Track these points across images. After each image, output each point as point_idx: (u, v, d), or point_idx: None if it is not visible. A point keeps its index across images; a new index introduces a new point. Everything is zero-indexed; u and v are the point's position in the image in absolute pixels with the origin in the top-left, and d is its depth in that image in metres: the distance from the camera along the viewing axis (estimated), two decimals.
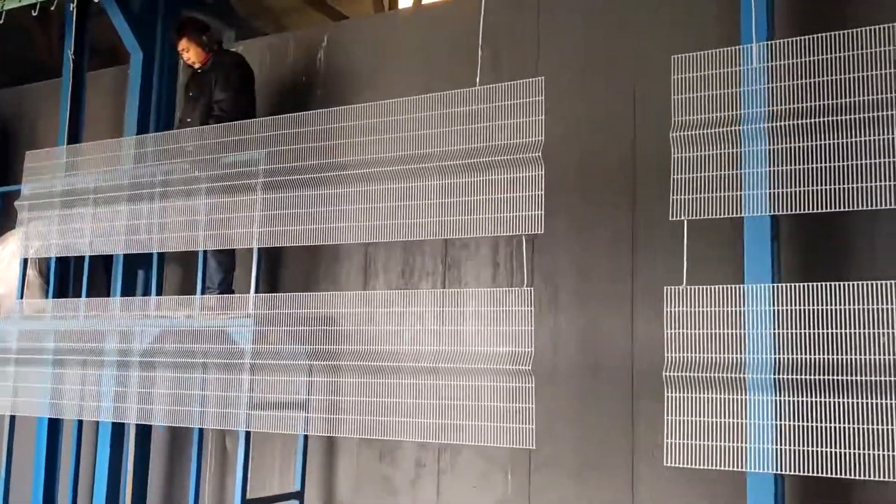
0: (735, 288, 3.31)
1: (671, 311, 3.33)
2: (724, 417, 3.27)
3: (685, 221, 3.37)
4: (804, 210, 3.32)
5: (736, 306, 3.30)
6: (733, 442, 3.26)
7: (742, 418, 3.27)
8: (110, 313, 4.57)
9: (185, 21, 5.11)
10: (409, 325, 3.97)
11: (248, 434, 4.12)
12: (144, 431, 5.04)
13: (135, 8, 5.17)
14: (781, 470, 3.25)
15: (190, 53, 4.96)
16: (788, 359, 3.29)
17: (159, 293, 4.74)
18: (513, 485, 4.31)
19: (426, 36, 4.94)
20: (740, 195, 3.35)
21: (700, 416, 3.30)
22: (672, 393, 3.31)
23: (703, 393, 3.29)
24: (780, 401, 3.28)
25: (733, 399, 3.28)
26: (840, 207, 3.27)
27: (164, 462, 5.44)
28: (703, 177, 3.40)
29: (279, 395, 4.04)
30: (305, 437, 4.63)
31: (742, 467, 3.24)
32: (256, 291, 4.07)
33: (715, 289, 3.30)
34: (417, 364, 3.78)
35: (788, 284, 3.30)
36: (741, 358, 3.30)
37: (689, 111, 3.42)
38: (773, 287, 3.37)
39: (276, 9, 8.05)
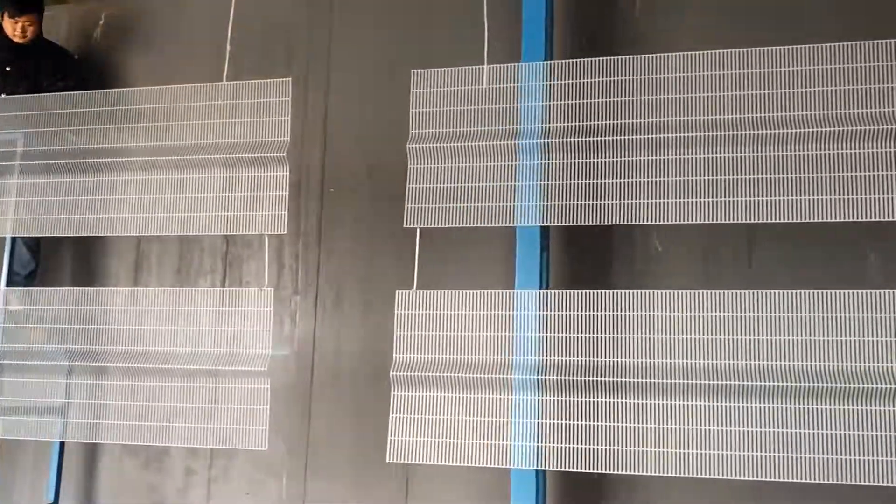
0: (466, 293, 3.51)
1: (401, 314, 3.51)
2: (458, 416, 3.44)
3: (418, 229, 3.59)
4: (573, 223, 3.55)
5: (470, 310, 3.49)
6: (479, 440, 3.43)
7: (478, 416, 3.45)
8: None
9: None
10: (183, 325, 3.87)
11: None
12: None
13: None
14: (542, 466, 3.43)
15: (33, 28, 4.60)
16: (553, 361, 3.49)
17: None
18: (287, 491, 4.23)
19: (211, 23, 4.72)
20: (477, 206, 3.55)
21: (441, 415, 3.46)
22: (399, 392, 3.48)
23: (435, 392, 3.47)
24: (543, 400, 3.47)
25: (467, 398, 3.45)
26: (606, 222, 3.53)
27: None
28: (440, 188, 3.59)
29: (33, 400, 3.78)
30: (62, 444, 4.29)
31: (483, 463, 3.41)
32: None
33: (444, 293, 3.51)
34: (189, 366, 3.66)
35: (553, 290, 3.52)
36: (473, 359, 3.48)
37: (427, 124, 3.60)
38: (539, 293, 3.58)
39: None
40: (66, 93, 3.85)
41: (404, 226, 3.57)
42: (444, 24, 4.04)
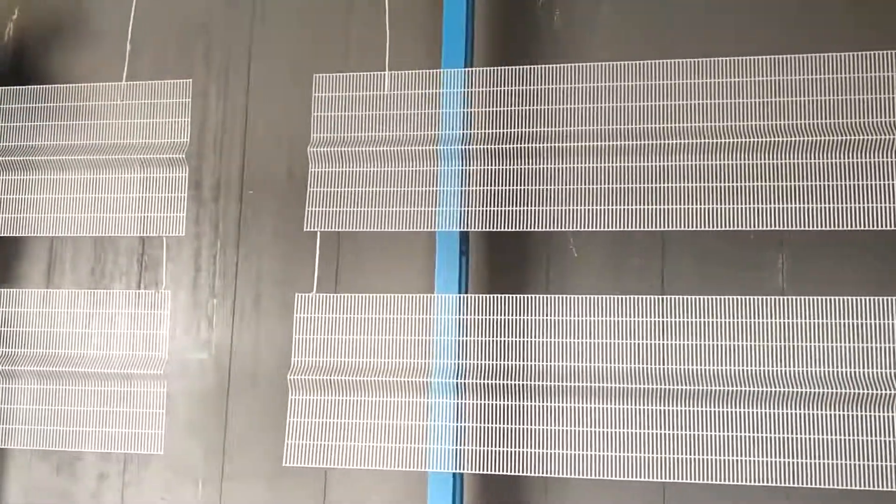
0: (363, 297, 3.60)
1: (301, 318, 3.58)
2: (369, 419, 3.52)
3: (318, 232, 3.68)
4: (492, 228, 3.61)
5: (388, 314, 3.57)
6: (393, 443, 3.50)
7: (391, 420, 3.53)
8: None
9: None
10: (98, 327, 3.82)
11: None
12: None
13: None
14: (459, 469, 3.48)
15: None
16: (471, 364, 3.53)
17: None
18: (203, 495, 4.17)
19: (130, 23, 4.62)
20: (391, 211, 3.64)
21: (349, 419, 3.54)
22: (296, 395, 3.55)
23: (342, 396, 3.54)
24: (460, 403, 3.51)
25: (379, 401, 3.53)
26: (524, 227, 3.59)
27: None
28: (348, 192, 3.68)
29: None
30: None
31: (395, 466, 3.49)
32: None
33: (345, 297, 3.60)
34: (86, 370, 3.63)
35: (472, 295, 3.56)
36: (389, 362, 3.55)
37: (330, 129, 3.71)
38: (458, 297, 3.62)
39: None
40: None
41: (304, 229, 3.66)
42: (366, 26, 4.03)
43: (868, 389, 3.26)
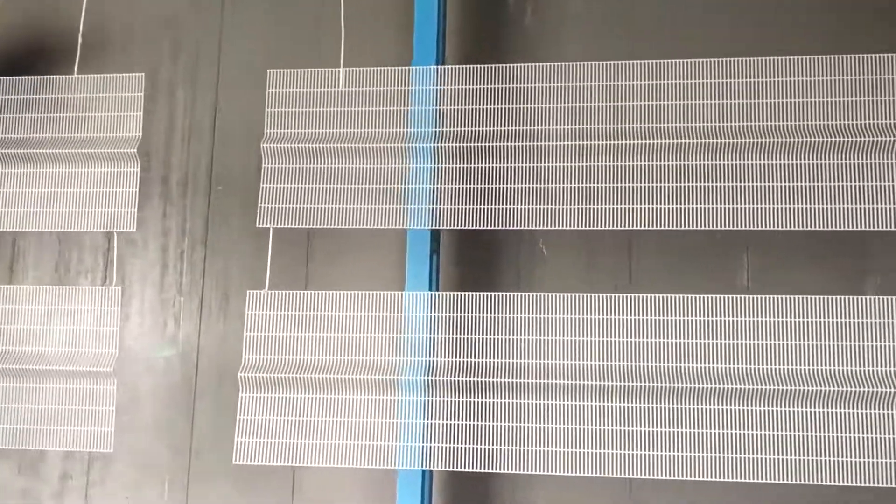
0: (314, 294, 3.62)
1: (252, 315, 3.60)
2: (330, 417, 3.54)
3: (271, 229, 3.70)
4: (463, 226, 3.62)
5: (319, 311, 3.60)
6: (354, 440, 3.52)
7: (351, 417, 3.55)
8: None
9: None
10: (61, 324, 3.78)
11: None
12: None
13: None
14: (427, 466, 3.48)
15: None
16: (440, 362, 3.54)
17: None
18: (170, 494, 4.13)
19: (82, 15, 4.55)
20: (360, 208, 3.66)
21: (305, 416, 3.55)
22: (247, 393, 3.56)
23: (284, 393, 3.57)
24: (427, 400, 3.51)
25: (339, 399, 3.55)
26: (495, 226, 3.61)
27: None
28: (303, 188, 3.69)
29: None
30: None
31: (356, 464, 3.52)
32: None
33: (297, 294, 3.62)
34: (57, 367, 3.59)
35: (442, 293, 3.57)
36: (356, 360, 3.56)
37: (282, 125, 3.72)
38: (428, 295, 3.63)
39: None
40: None
41: (257, 225, 3.68)
42: (339, 20, 4.01)
43: (830, 387, 3.33)
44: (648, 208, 3.54)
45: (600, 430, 3.43)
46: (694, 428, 3.38)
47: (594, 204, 3.57)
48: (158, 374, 4.20)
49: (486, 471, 3.49)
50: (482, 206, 3.62)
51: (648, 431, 3.39)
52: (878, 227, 3.40)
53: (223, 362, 4.17)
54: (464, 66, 3.76)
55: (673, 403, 3.40)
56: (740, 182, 3.50)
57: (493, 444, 3.46)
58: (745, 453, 3.34)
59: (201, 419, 4.12)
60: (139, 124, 3.76)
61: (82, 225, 3.78)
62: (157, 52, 4.43)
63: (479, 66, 3.73)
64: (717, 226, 3.49)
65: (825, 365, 3.35)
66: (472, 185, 3.64)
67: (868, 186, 3.42)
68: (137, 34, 4.45)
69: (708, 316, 3.44)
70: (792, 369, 3.36)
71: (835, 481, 3.29)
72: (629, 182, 3.56)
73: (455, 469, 3.49)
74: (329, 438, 3.52)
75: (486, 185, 3.63)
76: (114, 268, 3.98)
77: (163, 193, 4.32)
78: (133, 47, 4.45)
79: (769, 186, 3.46)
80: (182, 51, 4.43)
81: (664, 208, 3.53)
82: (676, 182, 3.54)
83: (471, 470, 3.48)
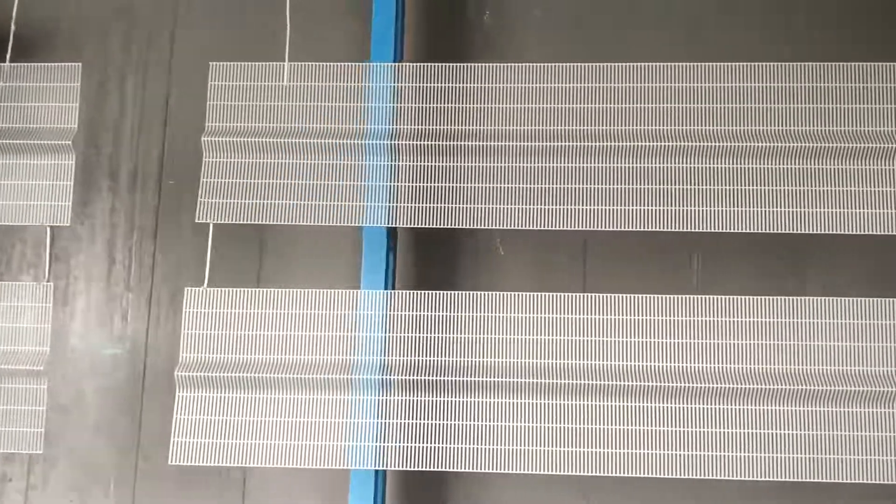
0: (254, 291, 3.60)
1: (190, 312, 3.56)
2: (274, 416, 3.51)
3: (211, 225, 3.65)
4: (419, 225, 3.61)
5: (259, 308, 3.56)
6: (303, 440, 3.48)
7: (296, 417, 3.51)
8: None
9: None
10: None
11: None
12: None
13: None
14: (380, 466, 3.47)
15: None
16: (395, 361, 3.52)
17: None
18: (116, 496, 4.02)
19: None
20: (275, 203, 3.63)
21: (248, 416, 3.51)
22: (184, 392, 3.52)
23: (227, 392, 3.53)
24: (379, 399, 3.49)
25: (277, 398, 3.51)
26: (452, 225, 3.60)
27: None
28: (238, 183, 3.66)
29: None
30: None
31: (307, 464, 3.48)
32: None
33: (236, 291, 3.58)
34: (2, 366, 3.48)
35: (398, 291, 3.55)
36: (267, 358, 3.53)
37: (225, 118, 3.70)
38: (383, 293, 3.61)
39: None
40: None
41: (196, 221, 3.63)
42: (296, 13, 3.96)
43: (779, 385, 3.41)
44: (603, 209, 3.58)
45: (555, 427, 3.45)
46: (645, 426, 3.43)
47: (550, 204, 3.59)
48: (105, 372, 4.10)
49: (441, 469, 3.49)
50: (440, 205, 3.62)
51: (605, 429, 3.42)
52: (820, 230, 3.50)
53: (173, 360, 4.07)
54: (422, 63, 3.75)
55: (626, 402, 3.44)
56: (690, 185, 3.57)
57: (448, 443, 3.46)
58: (692, 450, 3.40)
59: (149, 418, 4.03)
60: (76, 115, 3.70)
61: (16, 218, 3.69)
62: (108, 42, 4.32)
63: (437, 64, 3.73)
64: (669, 227, 3.55)
65: (770, 364, 3.43)
66: (429, 184, 3.63)
67: (811, 191, 3.53)
68: (89, 24, 4.33)
69: (661, 315, 3.50)
70: (747, 368, 3.44)
71: (788, 477, 3.38)
72: (584, 183, 3.60)
73: (409, 468, 3.47)
74: (278, 439, 3.47)
75: (444, 184, 3.63)
76: (49, 263, 3.86)
77: (111, 188, 4.21)
78: (83, 37, 4.32)
79: (714, 189, 3.54)
80: (133, 42, 4.33)
81: (618, 210, 3.57)
82: (630, 184, 3.59)
83: (425, 469, 3.47)
